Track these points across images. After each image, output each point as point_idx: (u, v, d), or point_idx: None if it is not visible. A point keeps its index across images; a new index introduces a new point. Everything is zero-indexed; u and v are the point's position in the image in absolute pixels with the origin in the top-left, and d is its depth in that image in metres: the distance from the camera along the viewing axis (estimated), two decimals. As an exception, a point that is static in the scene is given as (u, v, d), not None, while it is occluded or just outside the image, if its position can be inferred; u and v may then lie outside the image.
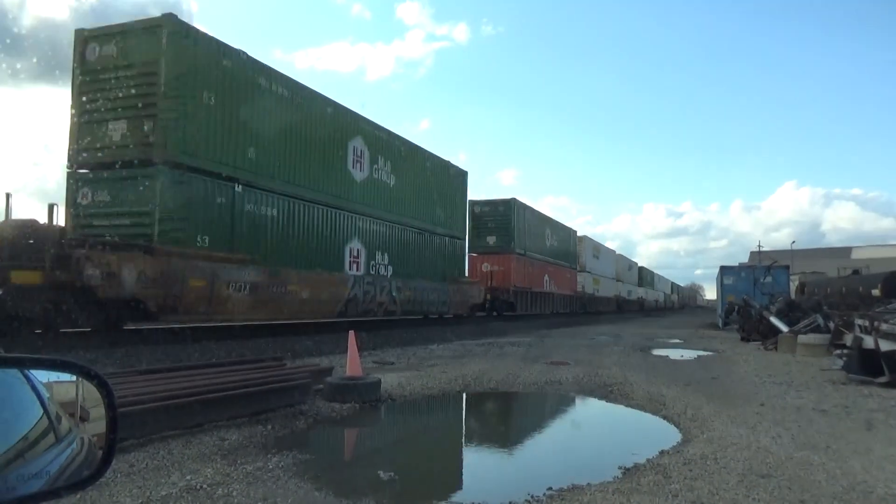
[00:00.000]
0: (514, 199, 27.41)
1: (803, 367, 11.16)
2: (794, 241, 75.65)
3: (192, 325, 11.80)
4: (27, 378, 1.01)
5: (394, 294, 17.18)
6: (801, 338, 13.90)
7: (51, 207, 9.63)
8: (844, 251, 79.57)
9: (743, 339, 18.80)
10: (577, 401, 8.10)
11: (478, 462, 5.46)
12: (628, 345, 16.19)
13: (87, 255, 9.05)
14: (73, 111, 11.28)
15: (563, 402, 8.21)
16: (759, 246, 77.52)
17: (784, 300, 19.54)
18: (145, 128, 10.72)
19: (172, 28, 10.85)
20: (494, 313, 25.71)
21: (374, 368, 9.63)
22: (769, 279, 26.79)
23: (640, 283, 60.74)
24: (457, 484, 4.66)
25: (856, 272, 32.87)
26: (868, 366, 9.03)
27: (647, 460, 4.68)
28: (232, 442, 5.01)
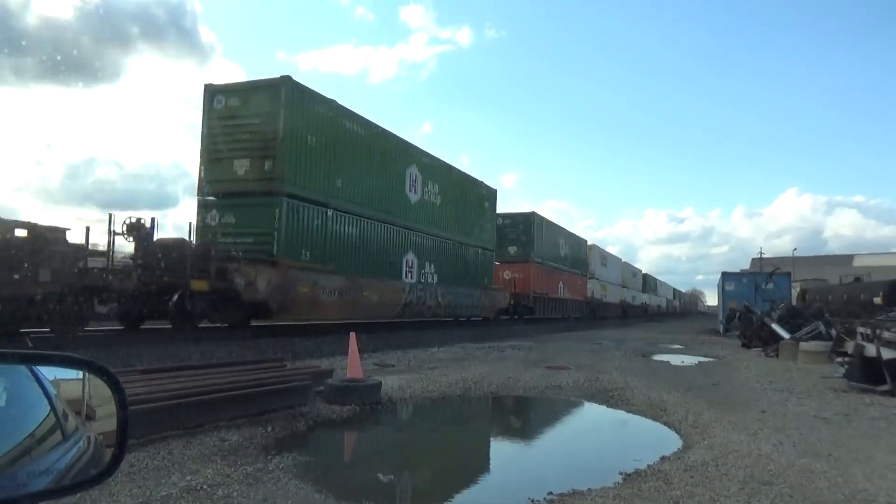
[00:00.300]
0: (534, 212, 30.13)
1: (805, 374, 11.14)
2: (795, 248, 75.61)
3: (301, 322, 15.11)
4: (35, 375, 1.01)
5: (438, 299, 20.03)
6: (803, 345, 13.87)
7: (190, 227, 12.94)
8: (846, 259, 79.45)
9: (744, 345, 18.76)
10: (578, 405, 8.09)
11: (478, 465, 5.45)
12: (630, 350, 16.17)
13: (237, 268, 12.05)
14: (202, 150, 14.06)
15: (563, 407, 8.20)
16: (761, 252, 77.65)
17: (786, 307, 19.51)
18: (266, 166, 13.51)
19: (289, 88, 13.72)
20: (516, 317, 28.03)
21: (375, 371, 9.62)
22: (771, 286, 26.78)
23: (644, 290, 63.08)
24: (456, 487, 4.65)
25: (857, 280, 32.81)
26: (870, 374, 9.00)
27: (648, 466, 4.67)
28: (232, 443, 5.00)
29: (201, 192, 14.10)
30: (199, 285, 11.64)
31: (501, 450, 6.09)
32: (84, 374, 1.06)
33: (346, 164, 15.69)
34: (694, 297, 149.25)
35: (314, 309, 14.11)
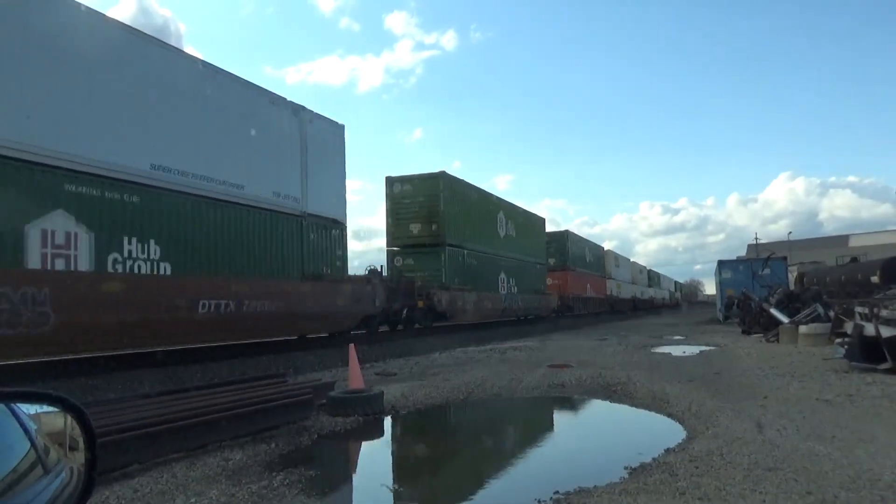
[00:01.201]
0: (567, 230, 38.59)
1: (805, 357, 11.16)
2: (790, 232, 75.89)
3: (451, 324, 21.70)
4: (12, 411, 1.01)
5: (519, 304, 27.22)
6: (802, 328, 13.91)
7: (382, 268, 18.50)
8: (842, 239, 79.77)
9: (744, 332, 18.80)
10: (581, 403, 8.09)
11: (483, 469, 5.44)
12: (631, 344, 16.18)
13: (435, 292, 19.36)
14: (388, 219, 21.47)
15: (567, 405, 8.20)
16: (756, 238, 77.90)
17: (783, 291, 19.56)
18: (433, 227, 20.91)
19: (445, 178, 21.26)
20: (558, 314, 34.71)
21: (377, 380, 9.60)
22: (767, 271, 26.84)
23: (650, 284, 69.19)
24: (463, 493, 4.64)
25: (854, 260, 32.90)
26: (870, 353, 9.02)
27: (653, 459, 4.67)
28: (236, 462, 4.99)
29: (389, 244, 21.48)
30: (420, 303, 19.10)
31: (506, 452, 6.08)
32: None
33: (471, 220, 23.16)
34: (693, 287, 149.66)
35: (464, 315, 21.71)
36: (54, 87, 9.12)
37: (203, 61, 12.17)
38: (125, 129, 10.16)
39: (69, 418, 1.08)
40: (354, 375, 7.57)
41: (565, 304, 34.79)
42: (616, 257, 52.06)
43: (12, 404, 1.01)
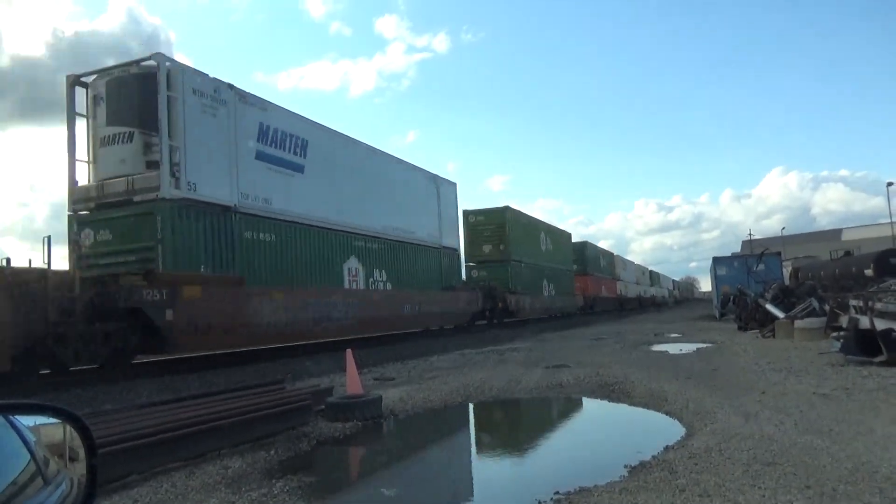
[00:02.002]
0: (587, 241, 46.51)
1: (802, 351, 11.20)
2: (783, 227, 76.38)
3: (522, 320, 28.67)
4: (11, 424, 1.01)
5: (557, 304, 35.22)
6: (798, 323, 13.96)
7: (468, 277, 27.23)
8: (835, 233, 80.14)
9: (740, 328, 18.85)
10: (580, 402, 8.10)
11: (483, 472, 5.45)
12: (629, 342, 16.20)
13: (507, 296, 26.62)
14: (466, 241, 27.65)
15: (565, 405, 8.20)
16: (750, 234, 78.26)
17: (778, 286, 19.63)
18: (501, 247, 28.09)
19: (510, 211, 28.85)
20: (582, 311, 41.55)
21: (375, 385, 9.59)
22: (762, 267, 26.95)
23: (652, 284, 76.63)
24: (463, 495, 4.64)
25: (847, 253, 33.07)
26: (865, 346, 9.06)
27: (653, 457, 4.68)
28: (236, 469, 4.97)
29: (467, 260, 27.84)
30: (500, 304, 26.07)
31: (506, 453, 6.08)
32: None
33: (525, 240, 30.54)
34: (689, 285, 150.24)
35: (525, 313, 28.89)
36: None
37: (391, 155, 20.66)
38: (370, 206, 18.12)
39: (68, 429, 1.08)
40: (352, 380, 7.56)
41: (587, 303, 42.29)
42: (623, 261, 59.75)
43: (11, 416, 1.01)
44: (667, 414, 6.61)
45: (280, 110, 14.92)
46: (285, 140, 14.80)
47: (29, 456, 1.02)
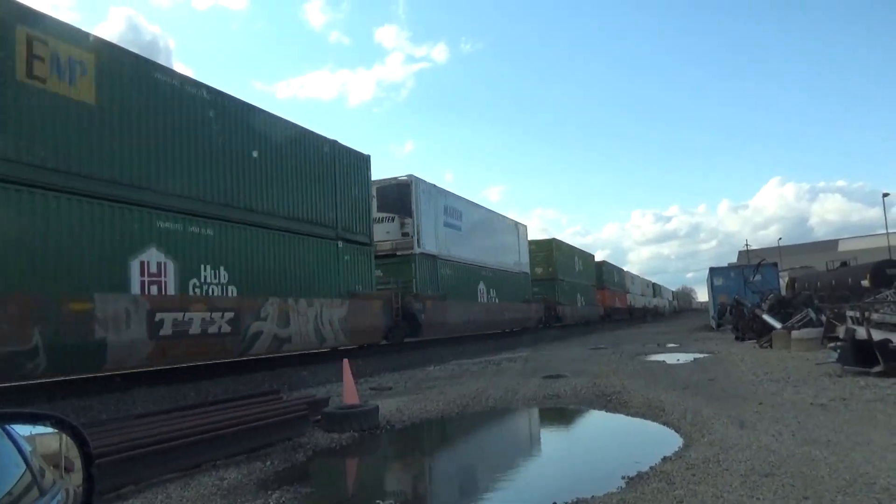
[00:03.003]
0: (605, 260, 53.86)
1: (799, 362, 11.20)
2: (780, 238, 76.63)
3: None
4: (8, 433, 1.00)
5: (584, 313, 41.11)
6: (795, 333, 13.96)
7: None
8: (831, 244, 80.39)
9: (737, 338, 18.86)
10: (577, 413, 8.07)
11: (480, 483, 5.41)
12: (626, 353, 16.18)
13: (557, 307, 35.28)
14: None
15: (563, 416, 8.18)
16: (747, 245, 78.43)
17: (775, 297, 19.65)
18: (549, 269, 35.78)
19: (556, 242, 37.73)
20: (602, 320, 47.07)
21: (372, 395, 9.55)
22: (758, 277, 26.98)
23: (654, 295, 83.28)
24: (461, 506, 4.62)
25: (844, 264, 33.15)
26: (862, 356, 9.07)
27: (650, 468, 4.67)
28: (231, 481, 4.94)
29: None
30: (553, 312, 33.64)
31: (503, 464, 6.05)
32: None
33: (565, 263, 37.98)
34: (686, 295, 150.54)
35: (568, 319, 35.80)
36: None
37: (495, 212, 29.85)
38: (489, 248, 27.93)
39: (65, 439, 1.07)
40: (349, 391, 7.54)
41: (606, 313, 48.81)
42: (632, 276, 66.90)
43: (7, 426, 1.01)
44: (664, 424, 6.59)
45: (451, 194, 23.84)
46: (454, 212, 23.85)
47: (25, 466, 1.01)
